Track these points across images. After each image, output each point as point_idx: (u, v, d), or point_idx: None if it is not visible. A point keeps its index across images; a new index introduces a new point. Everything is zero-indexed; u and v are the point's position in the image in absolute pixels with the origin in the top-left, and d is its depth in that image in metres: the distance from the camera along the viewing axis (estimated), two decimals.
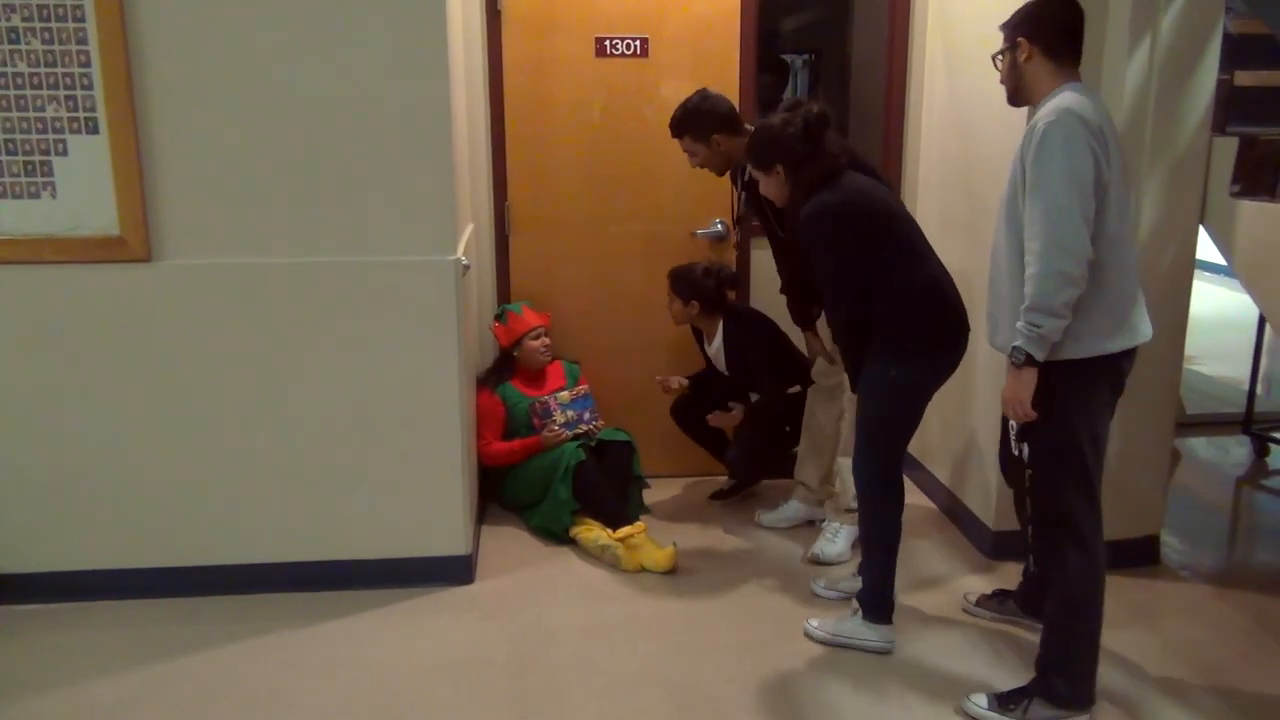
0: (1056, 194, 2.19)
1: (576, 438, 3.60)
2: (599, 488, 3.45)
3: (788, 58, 5.14)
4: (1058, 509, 2.38)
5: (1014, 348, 2.27)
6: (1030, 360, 2.25)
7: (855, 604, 2.87)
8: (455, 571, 3.15)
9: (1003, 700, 2.46)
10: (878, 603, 2.81)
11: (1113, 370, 2.36)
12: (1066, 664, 2.43)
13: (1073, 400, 2.33)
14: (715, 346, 3.74)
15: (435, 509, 3.11)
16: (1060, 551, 2.39)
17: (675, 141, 3.32)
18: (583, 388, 3.71)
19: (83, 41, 2.72)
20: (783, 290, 3.46)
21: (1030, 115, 2.64)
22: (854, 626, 2.82)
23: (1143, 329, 2.38)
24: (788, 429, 3.65)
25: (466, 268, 3.10)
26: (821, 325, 3.38)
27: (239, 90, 2.79)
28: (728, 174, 3.44)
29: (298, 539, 3.09)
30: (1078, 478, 2.36)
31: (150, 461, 2.99)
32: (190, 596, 3.05)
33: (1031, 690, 2.45)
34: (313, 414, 3.01)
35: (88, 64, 2.74)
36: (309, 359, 2.97)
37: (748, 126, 3.23)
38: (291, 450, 3.02)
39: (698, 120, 3.25)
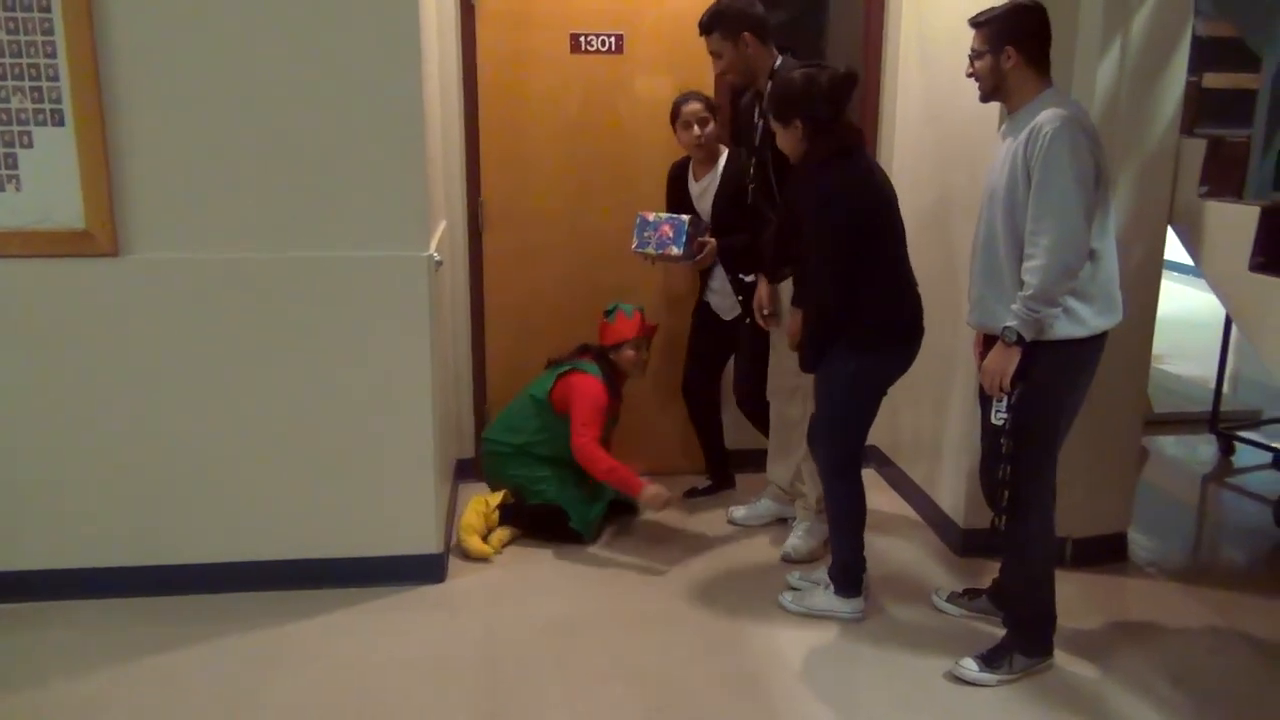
0: (1065, 194, 2.35)
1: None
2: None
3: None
4: (1031, 473, 2.56)
5: (1007, 328, 2.44)
6: (1020, 340, 2.43)
7: (826, 579, 3.00)
8: (427, 570, 3.13)
9: (988, 660, 2.65)
10: (848, 578, 2.97)
11: (1099, 349, 2.55)
12: (1034, 618, 2.67)
13: (1064, 376, 2.51)
14: (703, 184, 3.52)
15: (407, 507, 3.09)
16: (1027, 513, 2.58)
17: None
18: (684, 217, 3.38)
19: (49, 32, 2.68)
20: (752, 243, 3.34)
21: (1002, 112, 2.67)
22: (826, 600, 2.97)
23: (1121, 307, 2.57)
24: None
25: (439, 264, 3.09)
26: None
27: (209, 83, 2.76)
28: (729, 134, 3.28)
29: (268, 537, 3.06)
30: (1053, 447, 2.57)
31: (117, 459, 2.95)
32: (159, 595, 3.01)
33: (1009, 646, 2.67)
34: (283, 411, 2.98)
35: (54, 55, 2.69)
36: (278, 356, 2.94)
37: (775, 52, 3.14)
38: (261, 448, 2.99)
39: (730, 15, 3.11)
